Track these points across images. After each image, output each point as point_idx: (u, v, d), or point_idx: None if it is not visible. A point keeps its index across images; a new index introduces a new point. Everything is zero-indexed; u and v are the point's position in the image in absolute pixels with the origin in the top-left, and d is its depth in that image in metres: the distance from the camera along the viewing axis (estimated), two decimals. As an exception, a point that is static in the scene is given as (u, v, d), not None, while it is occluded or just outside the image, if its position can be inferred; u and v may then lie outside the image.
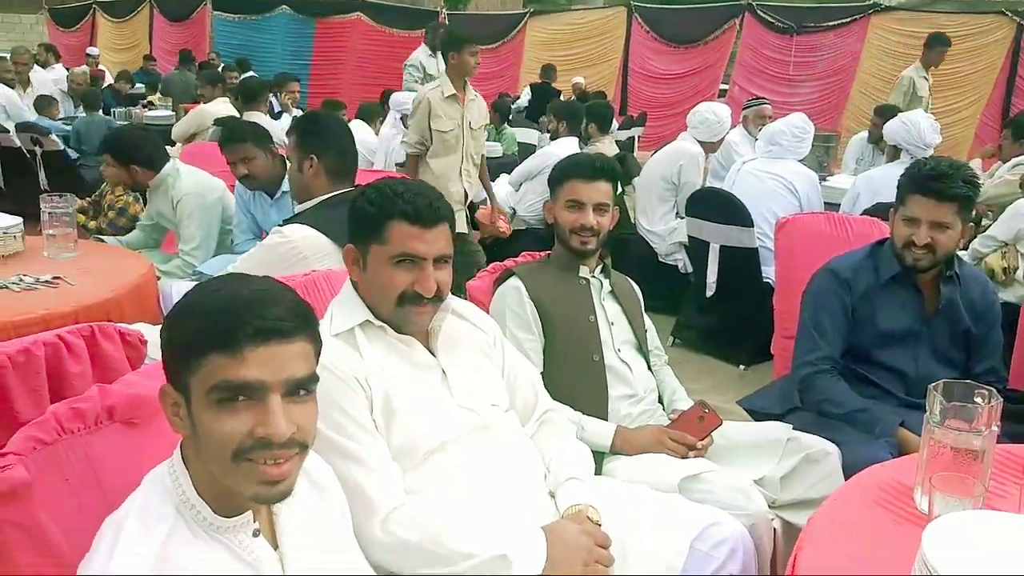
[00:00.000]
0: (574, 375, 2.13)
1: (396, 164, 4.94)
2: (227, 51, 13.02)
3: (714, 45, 10.83)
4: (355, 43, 13.16)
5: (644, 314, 2.38)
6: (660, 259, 4.87)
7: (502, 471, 1.61)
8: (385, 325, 1.61)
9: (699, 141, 4.77)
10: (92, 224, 4.29)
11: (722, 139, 4.84)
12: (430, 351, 1.66)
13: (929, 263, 2.12)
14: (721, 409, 2.18)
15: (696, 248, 4.35)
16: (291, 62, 12.95)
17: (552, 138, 5.21)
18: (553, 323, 2.15)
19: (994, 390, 1.49)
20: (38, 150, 6.21)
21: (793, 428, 2.11)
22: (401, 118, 5.57)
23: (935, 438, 1.48)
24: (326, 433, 1.46)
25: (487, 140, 6.86)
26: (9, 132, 6.33)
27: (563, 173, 2.24)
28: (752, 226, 3.96)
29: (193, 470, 1.07)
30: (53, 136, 6.21)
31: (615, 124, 9.03)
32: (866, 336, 2.22)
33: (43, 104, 6.85)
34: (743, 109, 6.10)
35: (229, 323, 1.01)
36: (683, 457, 2.01)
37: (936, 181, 2.05)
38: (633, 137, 8.90)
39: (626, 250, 4.95)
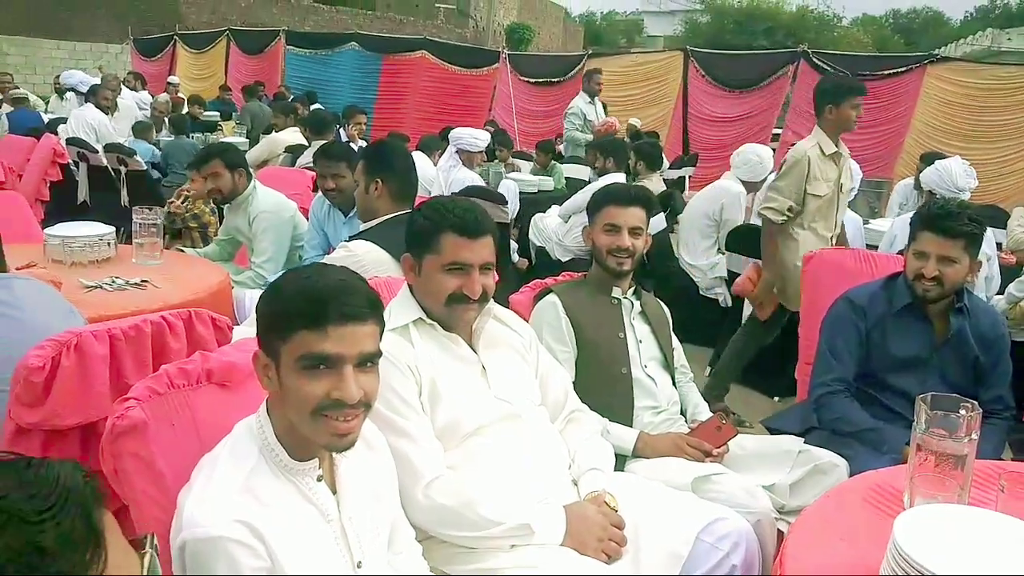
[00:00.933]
0: (603, 385, 2.33)
1: (452, 193, 5.22)
2: (297, 84, 13.62)
3: (768, 90, 10.98)
4: (418, 79, 13.64)
5: (672, 335, 2.57)
6: (701, 292, 5.05)
7: (530, 456, 1.83)
8: (435, 323, 1.85)
9: (742, 181, 4.96)
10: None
11: (764, 179, 5.02)
12: (472, 349, 1.90)
13: (937, 294, 2.28)
14: (749, 432, 2.35)
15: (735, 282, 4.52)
16: (357, 96, 13.46)
17: (600, 174, 5.45)
18: (585, 337, 2.36)
19: (975, 403, 1.65)
20: (123, 169, 6.68)
21: (809, 442, 2.29)
22: (457, 151, 5.82)
23: (920, 445, 1.64)
24: (382, 411, 1.70)
25: (536, 174, 7.14)
26: (98, 152, 6.83)
27: (601, 199, 2.47)
28: (789, 263, 4.12)
29: (275, 421, 1.31)
30: (137, 157, 6.67)
31: (666, 163, 9.27)
32: (878, 361, 2.38)
33: (140, 128, 7.38)
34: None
35: (317, 307, 1.26)
36: (699, 462, 2.20)
37: (944, 219, 2.23)
38: (684, 176, 9.09)
39: (669, 283, 5.14)
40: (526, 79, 12.69)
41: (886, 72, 10.08)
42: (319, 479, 1.34)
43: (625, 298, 2.47)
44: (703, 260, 5.05)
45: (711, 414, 2.42)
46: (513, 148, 7.69)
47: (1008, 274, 4.13)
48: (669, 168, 9.17)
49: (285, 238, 3.83)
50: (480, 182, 5.67)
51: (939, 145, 8.76)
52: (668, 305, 2.64)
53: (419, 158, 5.93)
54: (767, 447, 2.31)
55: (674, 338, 2.59)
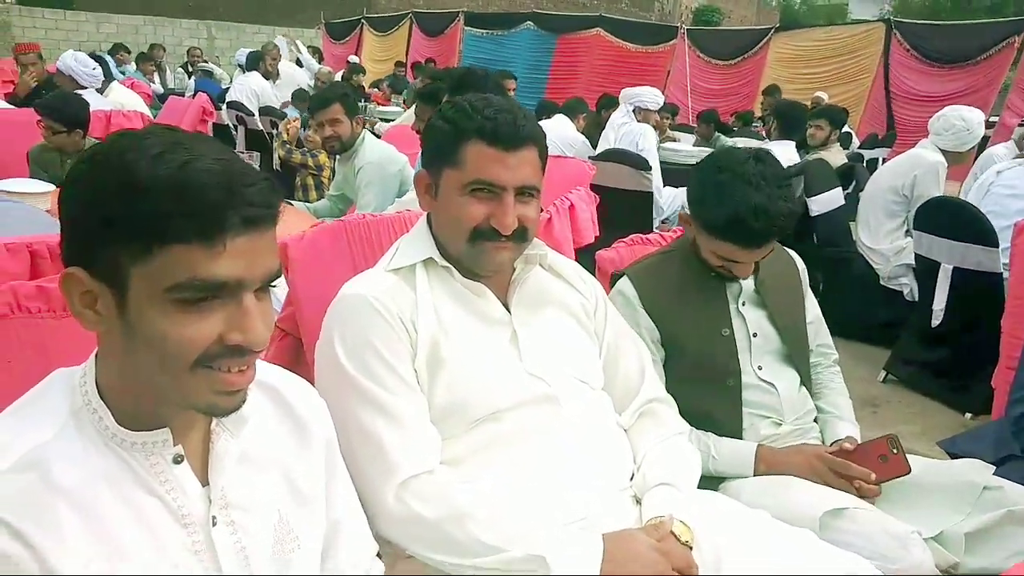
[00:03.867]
0: (700, 403, 1.70)
1: (589, 157, 4.70)
2: (472, 63, 13.60)
3: (986, 66, 9.46)
4: (592, 58, 13.19)
5: (809, 303, 1.91)
6: (882, 282, 4.20)
7: (570, 458, 1.31)
8: (451, 267, 1.36)
9: (942, 150, 4.07)
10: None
11: (971, 150, 4.10)
12: (505, 306, 1.39)
13: None
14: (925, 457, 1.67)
15: (923, 268, 3.68)
16: (529, 75, 13.25)
17: (770, 139, 4.71)
18: (674, 338, 1.73)
19: None
20: (275, 132, 6.73)
21: (1004, 477, 1.60)
22: (633, 110, 5.48)
23: None
24: (355, 377, 1.25)
25: (699, 146, 6.46)
26: (254, 115, 6.93)
27: (720, 226, 1.62)
28: (997, 246, 3.26)
29: (104, 371, 0.88)
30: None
31: (855, 141, 8.25)
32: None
33: (298, 96, 7.45)
34: (1019, 125, 5.19)
35: (208, 207, 0.79)
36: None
37: None
38: (877, 159, 8.02)
39: (844, 269, 4.35)
40: (704, 56, 11.84)
41: None
42: (177, 460, 0.90)
43: None
44: (886, 244, 4.18)
45: (855, 424, 1.78)
46: (674, 120, 7.02)
47: None
48: (860, 148, 8.18)
49: (390, 192, 3.52)
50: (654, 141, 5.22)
51: None
52: (843, 298, 1.97)
53: (560, 121, 5.54)
54: (940, 476, 1.63)
55: (811, 307, 1.91)
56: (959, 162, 4.23)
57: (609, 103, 6.81)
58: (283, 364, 1.09)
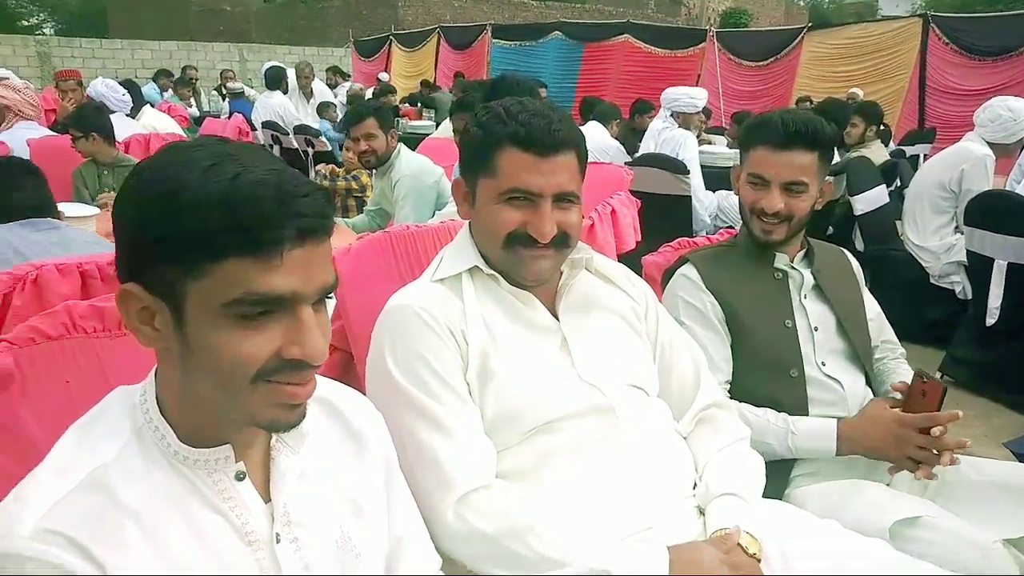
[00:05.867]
0: (767, 389, 1.68)
1: (625, 162, 4.67)
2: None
3: (1028, 57, 9.28)
4: (619, 64, 13.15)
5: (867, 301, 1.87)
6: (932, 281, 4.10)
7: (628, 469, 1.27)
8: (496, 274, 1.34)
9: (988, 143, 3.96)
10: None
11: (1019, 141, 3.98)
12: (553, 313, 1.36)
13: None
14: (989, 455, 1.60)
15: (976, 265, 3.57)
16: (558, 84, 13.25)
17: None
18: (738, 327, 1.71)
19: None
20: (310, 150, 6.80)
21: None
22: (672, 115, 5.35)
23: None
24: (408, 389, 1.22)
25: (732, 147, 6.37)
26: (289, 135, 7.01)
27: (754, 134, 1.74)
28: (1053, 239, 3.16)
29: (165, 388, 0.86)
30: (323, 138, 6.78)
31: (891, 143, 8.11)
32: None
33: (323, 108, 7.51)
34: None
35: (263, 220, 0.76)
36: (939, 454, 1.50)
37: None
38: (918, 155, 7.86)
39: (891, 269, 4.26)
40: (735, 59, 11.74)
41: None
42: (240, 477, 0.88)
43: (794, 268, 1.78)
44: (935, 241, 4.08)
45: None
46: (707, 122, 6.95)
47: None
48: (900, 145, 8.03)
49: (427, 205, 3.50)
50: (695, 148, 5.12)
51: None
52: (890, 297, 1.94)
53: (593, 127, 5.48)
54: (1013, 477, 1.56)
55: (871, 305, 1.89)
56: (1006, 154, 4.12)
57: (643, 108, 6.77)
58: (334, 379, 1.08)
